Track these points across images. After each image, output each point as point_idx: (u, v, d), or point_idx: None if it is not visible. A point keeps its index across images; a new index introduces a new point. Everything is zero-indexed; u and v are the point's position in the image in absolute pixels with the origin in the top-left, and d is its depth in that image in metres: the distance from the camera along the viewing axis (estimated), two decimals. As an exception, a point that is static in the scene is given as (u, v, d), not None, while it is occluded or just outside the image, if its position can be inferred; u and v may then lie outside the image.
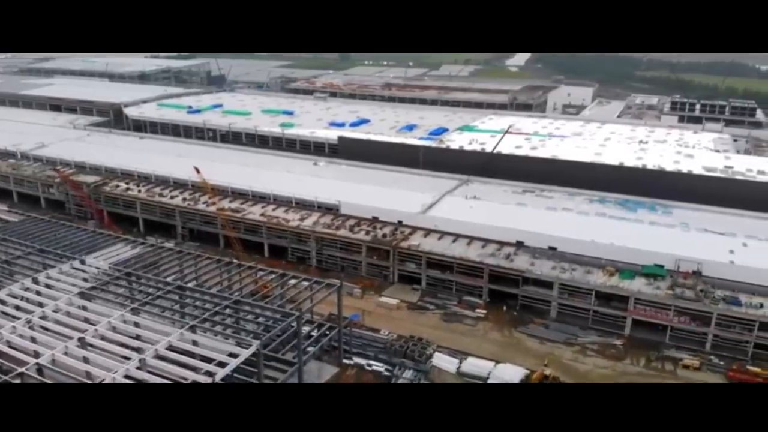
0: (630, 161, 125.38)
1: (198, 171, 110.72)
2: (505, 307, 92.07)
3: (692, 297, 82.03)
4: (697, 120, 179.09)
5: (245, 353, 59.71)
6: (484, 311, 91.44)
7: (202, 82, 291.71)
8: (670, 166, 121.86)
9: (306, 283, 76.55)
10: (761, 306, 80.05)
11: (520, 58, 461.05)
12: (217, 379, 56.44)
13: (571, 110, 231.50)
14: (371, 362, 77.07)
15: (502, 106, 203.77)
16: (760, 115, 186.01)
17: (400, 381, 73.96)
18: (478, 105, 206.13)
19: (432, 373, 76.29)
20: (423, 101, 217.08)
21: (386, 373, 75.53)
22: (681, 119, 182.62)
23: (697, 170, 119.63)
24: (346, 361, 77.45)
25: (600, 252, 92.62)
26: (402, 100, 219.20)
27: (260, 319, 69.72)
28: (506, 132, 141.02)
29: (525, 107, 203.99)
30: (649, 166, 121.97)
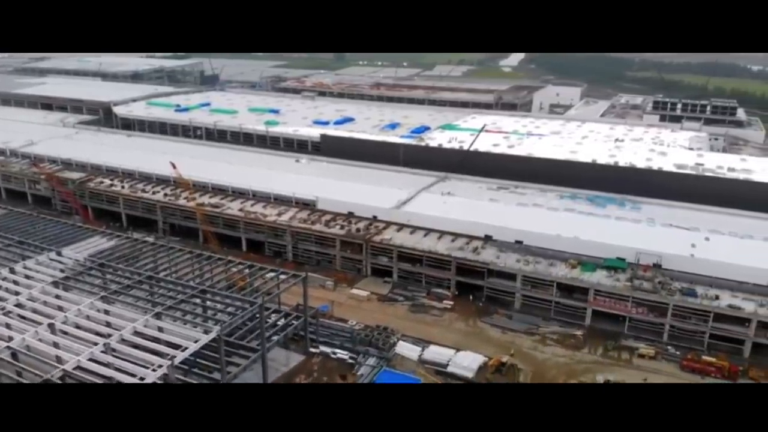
0: (603, 159, 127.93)
1: (174, 166, 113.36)
2: (471, 297, 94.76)
3: (650, 289, 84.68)
4: (678, 119, 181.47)
5: (205, 338, 62.42)
6: (451, 302, 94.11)
7: (195, 82, 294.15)
8: (641, 164, 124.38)
9: (273, 275, 79.11)
10: (717, 298, 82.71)
11: (513, 59, 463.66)
12: (177, 361, 59.19)
13: (559, 110, 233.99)
14: (336, 350, 79.72)
15: (488, 106, 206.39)
16: (741, 114, 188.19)
17: (363, 368, 76.52)
18: (464, 104, 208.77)
19: (395, 360, 78.90)
20: (411, 101, 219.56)
21: (350, 361, 78.14)
22: (662, 118, 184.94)
23: (668, 167, 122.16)
24: (312, 349, 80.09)
25: (564, 246, 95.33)
26: (390, 99, 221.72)
27: (227, 308, 72.22)
28: (481, 131, 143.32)
29: (510, 107, 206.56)
30: (621, 164, 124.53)
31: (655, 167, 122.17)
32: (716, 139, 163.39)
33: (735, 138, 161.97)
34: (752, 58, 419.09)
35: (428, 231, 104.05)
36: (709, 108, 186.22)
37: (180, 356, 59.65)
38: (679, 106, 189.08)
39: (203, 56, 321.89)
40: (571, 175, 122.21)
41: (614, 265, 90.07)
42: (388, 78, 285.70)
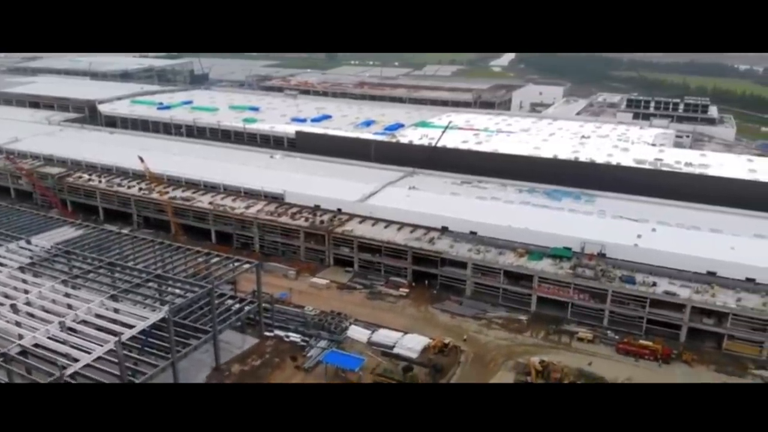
0: (565, 155, 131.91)
1: (142, 160, 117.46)
2: (427, 283, 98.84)
3: (591, 276, 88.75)
4: (652, 116, 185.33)
5: (154, 317, 66.61)
6: (407, 290, 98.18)
7: (185, 81, 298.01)
8: (601, 159, 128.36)
9: (227, 262, 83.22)
10: (654, 284, 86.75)
11: (504, 59, 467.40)
12: (124, 338, 63.32)
13: (540, 109, 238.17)
14: (289, 334, 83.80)
15: (467, 105, 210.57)
16: (713, 112, 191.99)
17: (313, 350, 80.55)
18: (444, 103, 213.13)
19: (345, 343, 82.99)
20: (392, 99, 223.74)
21: (302, 344, 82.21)
22: (636, 116, 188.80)
23: (627, 162, 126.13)
24: (267, 333, 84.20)
25: (515, 236, 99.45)
26: (373, 98, 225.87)
27: (180, 292, 76.34)
28: (447, 128, 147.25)
29: (488, 105, 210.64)
30: (582, 159, 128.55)
31: (613, 162, 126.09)
32: (687, 136, 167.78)
33: (702, 135, 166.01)
34: (739, 57, 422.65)
35: (389, 223, 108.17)
36: (681, 106, 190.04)
37: (128, 333, 63.80)
38: (652, 104, 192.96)
39: (194, 56, 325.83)
40: (533, 170, 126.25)
41: (559, 254, 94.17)
42: (373, 77, 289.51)
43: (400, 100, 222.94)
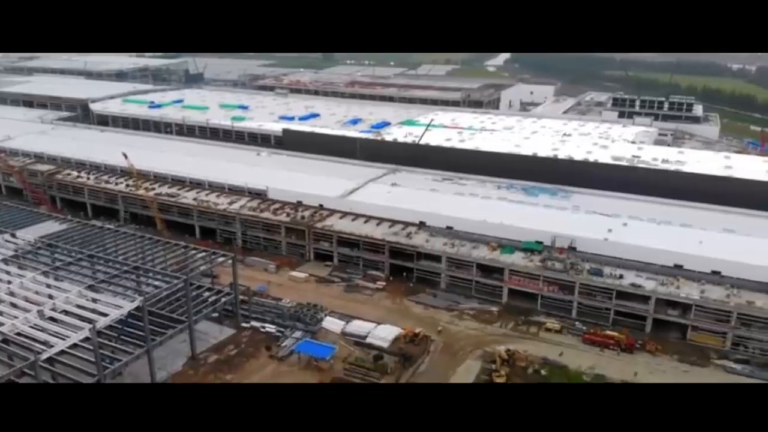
0: (545, 152, 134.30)
1: (126, 156, 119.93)
2: (405, 274, 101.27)
3: (560, 269, 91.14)
4: (638, 115, 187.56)
5: (129, 306, 69.05)
6: (384, 283, 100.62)
7: (180, 80, 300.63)
8: (580, 156, 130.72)
9: (204, 254, 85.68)
10: (621, 277, 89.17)
11: (499, 58, 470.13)
12: (99, 326, 65.78)
13: (530, 107, 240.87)
14: (266, 325, 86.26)
15: (455, 103, 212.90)
16: (698, 110, 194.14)
17: (288, 340, 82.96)
18: (434, 102, 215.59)
19: (320, 333, 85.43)
20: (383, 98, 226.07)
21: (277, 334, 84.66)
22: (621, 114, 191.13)
23: (605, 159, 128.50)
24: (244, 324, 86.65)
25: (489, 230, 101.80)
26: (363, 96, 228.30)
27: (157, 283, 78.73)
28: (428, 126, 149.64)
29: (477, 104, 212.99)
30: (560, 156, 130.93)
31: (591, 159, 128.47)
32: (669, 134, 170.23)
33: (684, 133, 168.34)
34: (733, 56, 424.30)
35: (368, 218, 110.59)
36: (666, 105, 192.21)
37: (102, 321, 66.26)
38: (638, 102, 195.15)
39: (190, 56, 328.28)
40: (512, 167, 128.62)
41: (531, 248, 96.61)
42: (365, 76, 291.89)
43: (390, 99, 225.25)
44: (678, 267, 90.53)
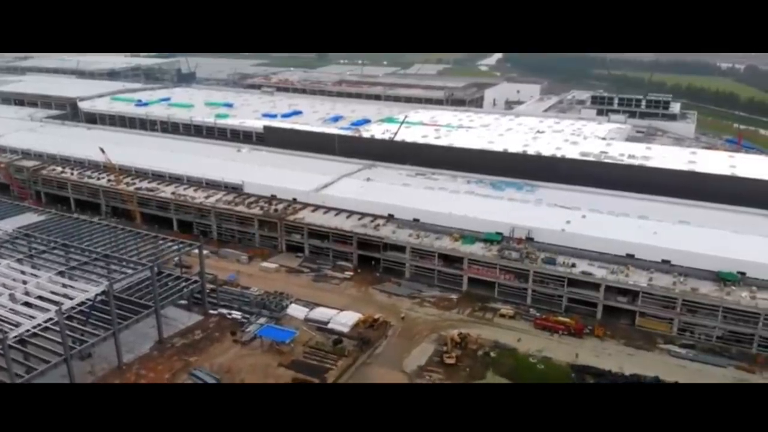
0: (515, 148, 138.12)
1: (103, 151, 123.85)
2: (373, 262, 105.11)
3: (516, 258, 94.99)
4: (612, 112, 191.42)
5: (94, 290, 73.03)
6: (351, 273, 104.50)
7: (172, 80, 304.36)
8: (549, 152, 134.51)
9: (172, 244, 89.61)
10: (573, 265, 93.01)
11: (492, 58, 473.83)
12: (64, 308, 69.68)
13: (515, 106, 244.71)
14: (232, 312, 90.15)
15: (439, 102, 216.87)
16: (675, 108, 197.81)
17: (252, 326, 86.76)
18: (418, 100, 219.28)
19: (284, 320, 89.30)
20: (368, 96, 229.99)
21: (243, 320, 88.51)
22: (599, 112, 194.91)
23: (572, 155, 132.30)
24: (212, 311, 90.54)
25: (453, 222, 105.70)
26: (350, 95, 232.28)
27: (127, 270, 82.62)
28: (402, 123, 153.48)
29: (460, 102, 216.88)
30: (529, 152, 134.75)
31: (558, 155, 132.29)
32: (643, 131, 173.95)
33: (656, 129, 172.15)
34: (722, 55, 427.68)
35: (339, 211, 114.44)
36: (643, 102, 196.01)
37: (68, 304, 70.25)
38: (616, 100, 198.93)
39: (183, 55, 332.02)
40: (483, 163, 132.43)
41: (490, 238, 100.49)
42: (353, 75, 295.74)
43: (376, 97, 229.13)
44: (630, 256, 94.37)
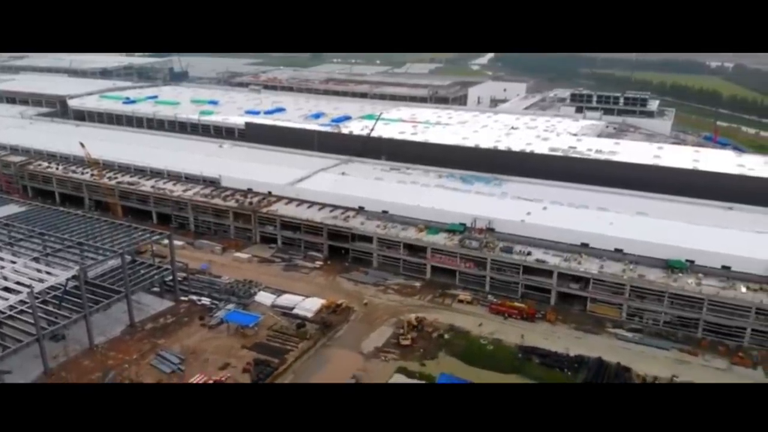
0: (488, 144, 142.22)
1: (83, 146, 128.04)
2: (344, 251, 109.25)
3: (475, 247, 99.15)
4: (589, 110, 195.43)
5: (65, 275, 77.22)
6: (321, 263, 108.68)
7: (165, 78, 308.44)
8: (519, 148, 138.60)
9: (144, 233, 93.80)
10: (529, 253, 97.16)
11: (484, 57, 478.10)
12: (36, 291, 73.85)
13: (501, 104, 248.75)
14: (202, 298, 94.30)
15: (423, 99, 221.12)
16: (653, 105, 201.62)
17: (220, 311, 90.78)
18: (402, 98, 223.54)
19: (252, 306, 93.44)
20: (354, 94, 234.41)
21: (212, 306, 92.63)
22: (578, 110, 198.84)
23: (541, 150, 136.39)
24: (182, 298, 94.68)
25: (421, 214, 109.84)
26: (336, 93, 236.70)
27: (100, 257, 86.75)
28: (378, 119, 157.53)
29: (443, 100, 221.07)
30: (500, 148, 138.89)
31: (527, 150, 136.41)
32: (616, 127, 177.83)
33: (629, 126, 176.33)
34: (711, 54, 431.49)
35: (312, 204, 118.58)
36: (621, 100, 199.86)
37: (39, 287, 74.44)
38: (595, 98, 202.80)
39: (176, 54, 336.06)
40: (455, 158, 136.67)
41: (454, 229, 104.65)
42: (342, 74, 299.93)
43: (362, 95, 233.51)
44: (584, 245, 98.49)
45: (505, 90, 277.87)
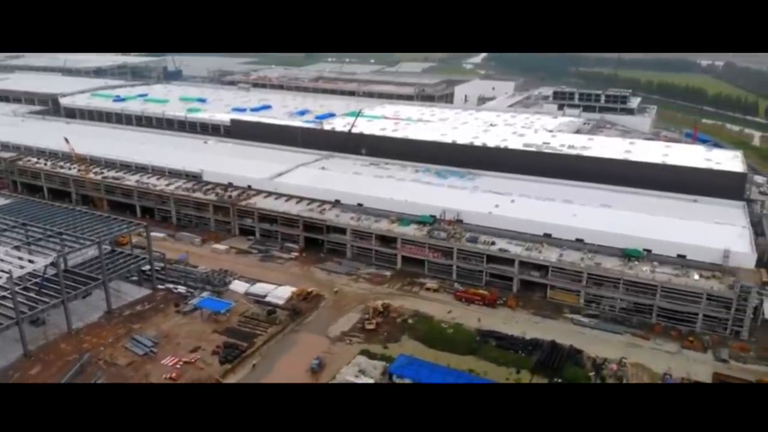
0: (465, 140, 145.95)
1: (67, 141, 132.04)
2: (320, 242, 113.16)
3: (443, 237, 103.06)
4: (575, 107, 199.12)
5: (43, 261, 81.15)
6: (297, 254, 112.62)
7: (159, 77, 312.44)
8: (494, 143, 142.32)
9: (122, 224, 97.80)
10: (493, 243, 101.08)
11: (477, 57, 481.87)
12: (15, 275, 77.81)
13: (487, 102, 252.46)
14: (178, 286, 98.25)
15: (409, 97, 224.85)
16: (633, 102, 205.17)
17: (195, 299, 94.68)
18: (390, 96, 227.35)
19: (226, 294, 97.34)
20: (343, 92, 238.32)
21: (188, 294, 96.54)
22: (561, 107, 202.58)
23: (515, 146, 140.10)
24: (159, 286, 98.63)
25: (394, 206, 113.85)
26: (325, 91, 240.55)
27: (78, 246, 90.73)
28: (358, 116, 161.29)
29: (429, 98, 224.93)
30: (476, 144, 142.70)
31: (502, 146, 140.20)
32: (593, 123, 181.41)
33: (605, 122, 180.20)
34: (702, 53, 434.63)
35: (290, 197, 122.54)
36: (603, 97, 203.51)
37: (18, 272, 78.41)
38: (577, 95, 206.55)
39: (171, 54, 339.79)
40: (433, 153, 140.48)
41: (424, 220, 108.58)
42: (332, 72, 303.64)
43: (351, 93, 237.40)
44: (547, 235, 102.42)
45: (493, 88, 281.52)
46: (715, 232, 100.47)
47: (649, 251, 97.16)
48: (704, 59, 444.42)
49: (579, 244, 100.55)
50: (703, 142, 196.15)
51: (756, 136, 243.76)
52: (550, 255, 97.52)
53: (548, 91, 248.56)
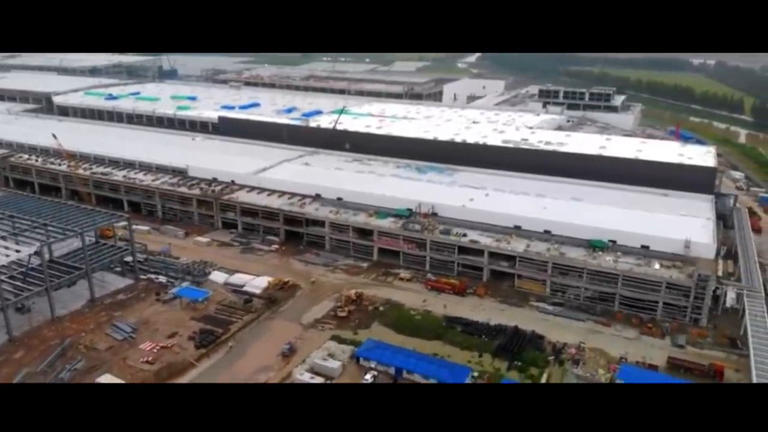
0: (446, 137, 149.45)
1: (55, 137, 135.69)
2: (301, 236, 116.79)
3: (417, 229, 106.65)
4: (560, 105, 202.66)
5: (27, 250, 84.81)
6: (277, 246, 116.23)
7: (154, 77, 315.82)
8: (474, 140, 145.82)
9: (105, 216, 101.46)
10: (464, 235, 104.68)
11: (472, 56, 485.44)
12: (0, 265, 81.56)
13: (477, 100, 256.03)
14: (159, 277, 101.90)
15: (398, 96, 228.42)
16: (617, 100, 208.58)
17: (175, 288, 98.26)
18: (379, 94, 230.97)
19: (206, 284, 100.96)
20: (333, 91, 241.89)
21: (168, 283, 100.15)
22: (544, 105, 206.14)
23: (494, 142, 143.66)
24: (142, 276, 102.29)
25: (372, 200, 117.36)
26: (315, 89, 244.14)
27: (60, 236, 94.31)
28: (341, 113, 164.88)
29: (417, 97, 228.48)
30: (457, 140, 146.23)
31: (481, 142, 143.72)
32: (573, 120, 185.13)
33: (587, 119, 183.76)
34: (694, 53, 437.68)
35: (272, 192, 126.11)
36: (587, 95, 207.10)
37: (2, 260, 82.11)
38: (561, 93, 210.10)
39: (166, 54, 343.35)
40: (414, 149, 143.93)
41: (400, 213, 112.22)
42: (324, 71, 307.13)
43: (341, 91, 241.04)
44: (517, 227, 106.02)
45: (484, 87, 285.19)
46: (679, 224, 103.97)
47: (614, 242, 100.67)
48: (696, 58, 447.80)
49: (547, 235, 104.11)
50: (686, 139, 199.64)
51: (741, 134, 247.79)
52: (518, 246, 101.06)
53: (536, 89, 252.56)
